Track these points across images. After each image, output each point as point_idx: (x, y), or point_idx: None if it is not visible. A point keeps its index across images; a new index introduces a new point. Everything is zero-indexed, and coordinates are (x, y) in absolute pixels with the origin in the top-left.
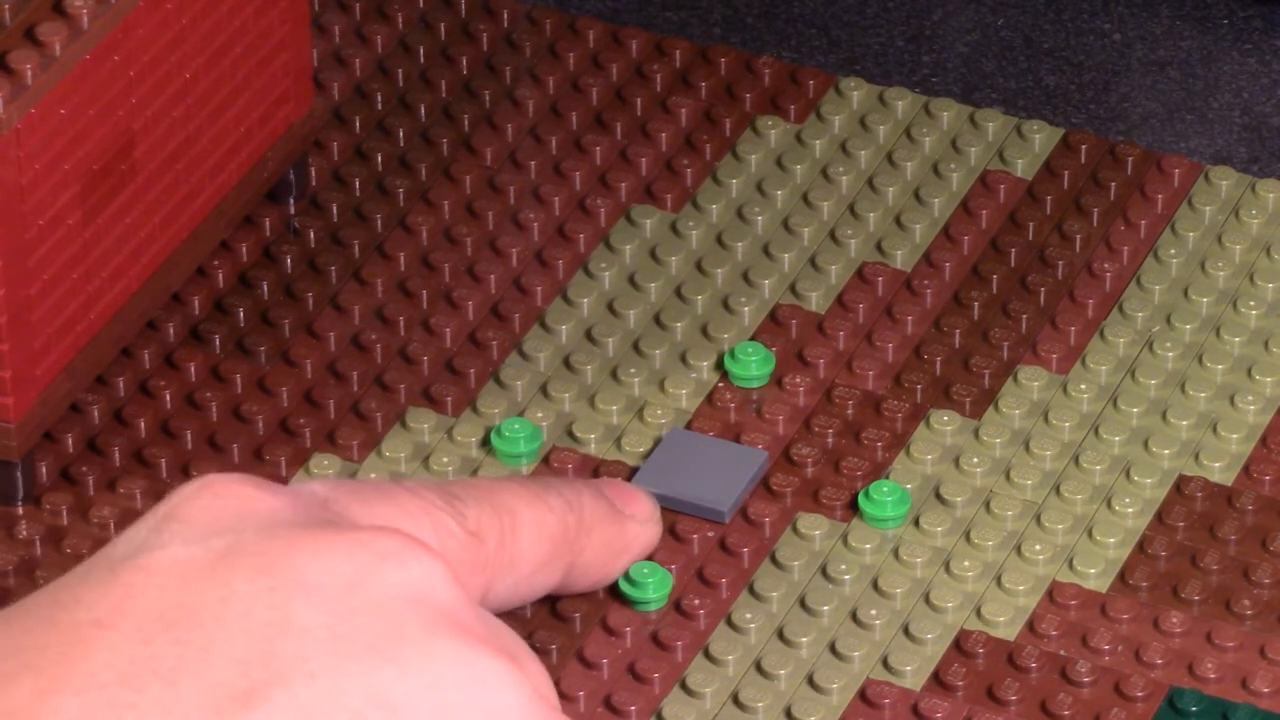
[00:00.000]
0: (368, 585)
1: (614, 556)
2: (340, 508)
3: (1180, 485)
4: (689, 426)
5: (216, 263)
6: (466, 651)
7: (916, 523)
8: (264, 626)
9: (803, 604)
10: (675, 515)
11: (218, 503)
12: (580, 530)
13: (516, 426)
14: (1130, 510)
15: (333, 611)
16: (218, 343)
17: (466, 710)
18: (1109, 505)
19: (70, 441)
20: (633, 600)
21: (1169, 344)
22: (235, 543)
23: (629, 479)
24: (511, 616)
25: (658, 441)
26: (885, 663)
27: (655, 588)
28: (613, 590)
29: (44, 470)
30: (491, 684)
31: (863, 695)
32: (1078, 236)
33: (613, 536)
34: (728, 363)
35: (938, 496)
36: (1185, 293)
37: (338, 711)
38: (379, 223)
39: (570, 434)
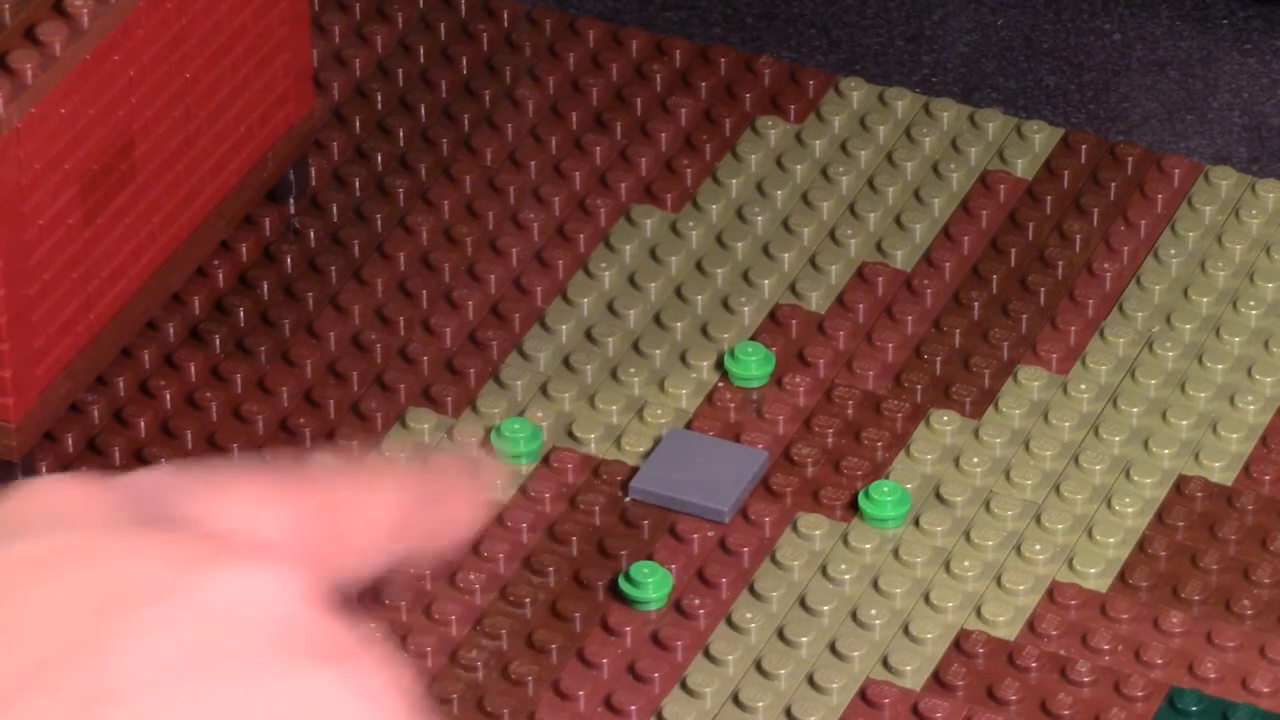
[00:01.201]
0: (197, 598)
1: (440, 540)
2: (172, 505)
3: (1180, 485)
4: (689, 426)
5: (216, 263)
6: (299, 665)
7: (916, 523)
8: (90, 644)
9: (803, 604)
10: (675, 515)
11: (46, 505)
12: (412, 516)
13: (516, 426)
14: (1130, 510)
15: (159, 627)
16: (218, 343)
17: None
18: (1109, 505)
19: (70, 441)
20: (633, 600)
21: (1169, 344)
22: (65, 544)
23: (629, 479)
24: (510, 616)
25: (658, 441)
26: (885, 663)
27: (655, 588)
28: (613, 590)
29: (44, 470)
30: (325, 695)
31: (863, 695)
32: (1078, 236)
33: (441, 525)
34: (728, 363)
35: (938, 496)
36: (1185, 293)
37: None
38: (379, 223)
39: (570, 434)
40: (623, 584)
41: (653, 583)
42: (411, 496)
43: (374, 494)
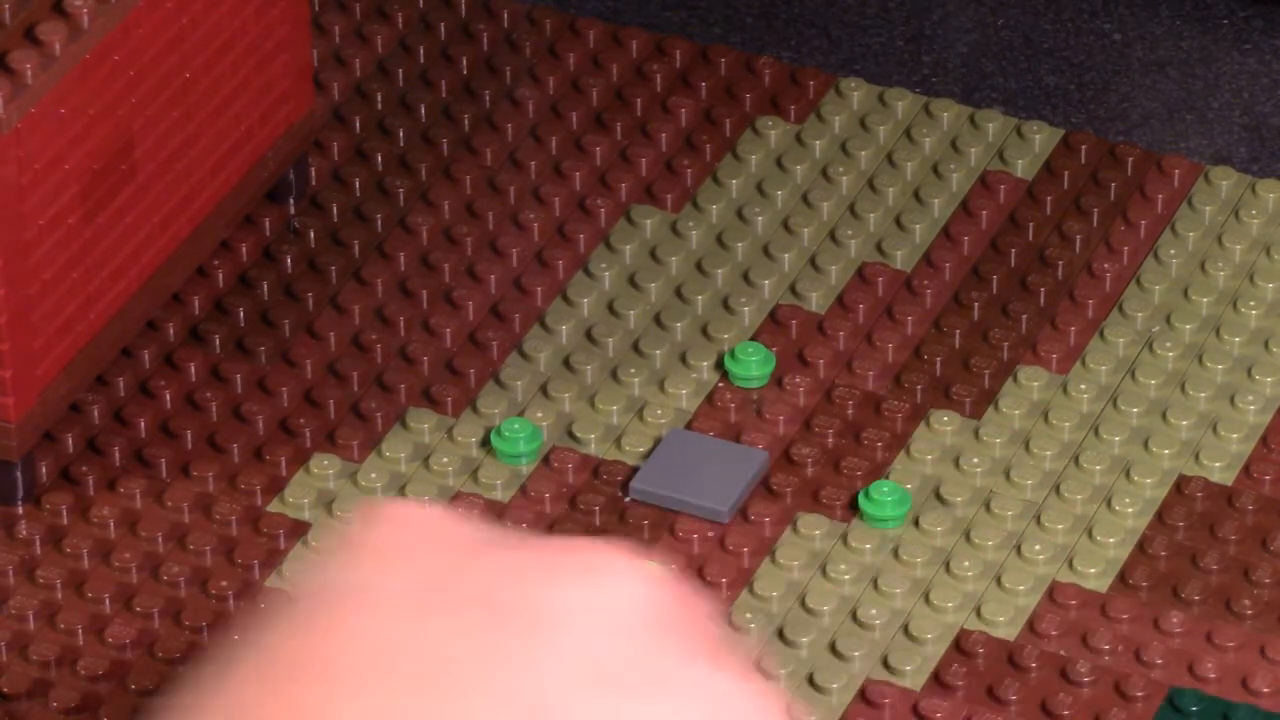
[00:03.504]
0: (604, 602)
1: None
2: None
3: (1180, 485)
4: (689, 426)
5: (216, 263)
6: (722, 676)
7: (916, 523)
8: (508, 655)
9: (803, 604)
10: (675, 515)
11: (404, 531)
12: None
13: (516, 426)
14: (1130, 510)
15: (580, 635)
16: (218, 343)
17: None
18: (1109, 505)
19: (70, 441)
20: None
21: (1169, 344)
22: (443, 571)
23: (629, 479)
24: None
25: (658, 441)
26: (885, 663)
27: None
28: None
29: (44, 470)
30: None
31: (863, 695)
32: (1078, 237)
33: None
34: (728, 363)
35: (938, 496)
36: (1185, 293)
37: None
38: (379, 223)
39: (570, 434)
40: None
41: None
42: None
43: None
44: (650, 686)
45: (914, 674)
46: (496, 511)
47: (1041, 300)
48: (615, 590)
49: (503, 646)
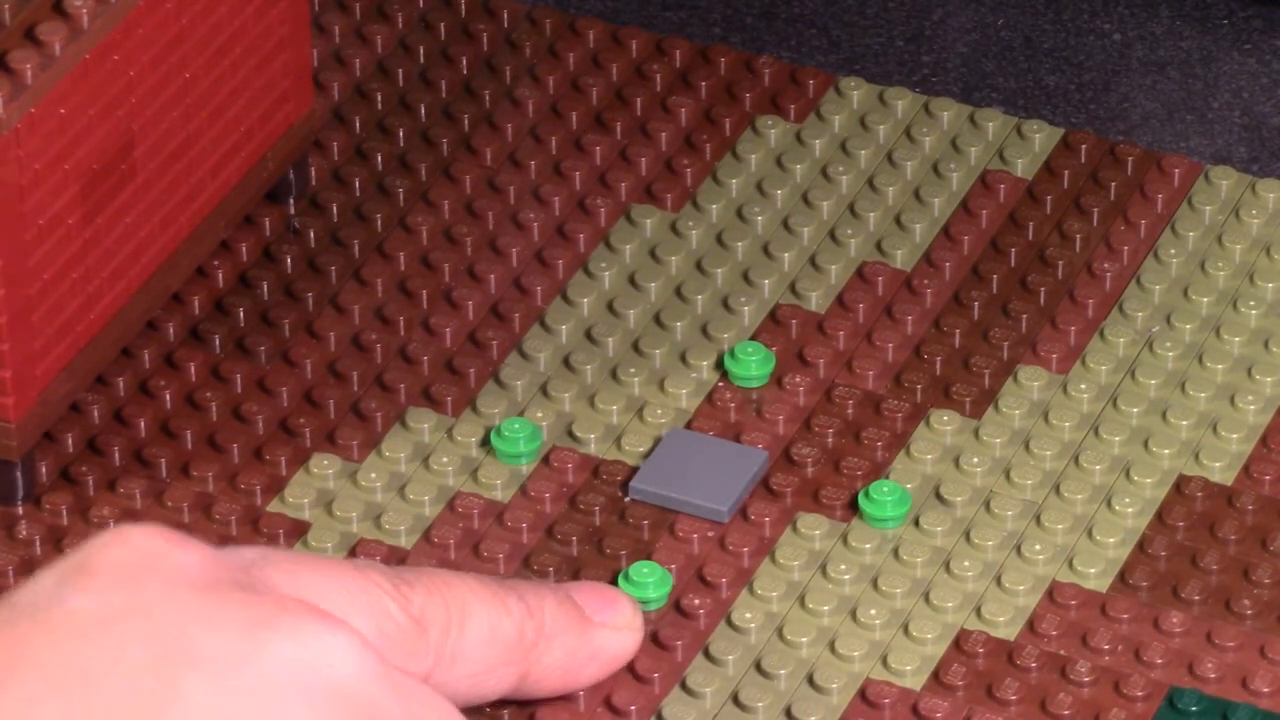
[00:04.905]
0: (258, 661)
1: (578, 666)
2: (261, 574)
3: (1180, 485)
4: (689, 426)
5: (216, 263)
6: None
7: (916, 523)
8: (150, 698)
9: (803, 604)
10: (675, 515)
11: (128, 555)
12: (539, 638)
13: (516, 426)
14: (1130, 510)
15: (220, 689)
16: (218, 343)
17: None
18: (1109, 505)
19: (70, 441)
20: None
21: (1169, 344)
22: (134, 602)
23: (629, 479)
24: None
25: (658, 441)
26: (885, 663)
27: (655, 588)
28: None
29: (44, 470)
30: None
31: (863, 695)
32: (1078, 236)
33: (577, 646)
34: (728, 363)
35: (938, 496)
36: (1185, 293)
37: None
38: (379, 223)
39: (570, 434)
40: (623, 584)
41: (653, 583)
42: (542, 620)
43: (496, 611)
44: None
45: (914, 674)
46: (496, 512)
47: (1041, 300)
48: (277, 652)
49: (148, 688)
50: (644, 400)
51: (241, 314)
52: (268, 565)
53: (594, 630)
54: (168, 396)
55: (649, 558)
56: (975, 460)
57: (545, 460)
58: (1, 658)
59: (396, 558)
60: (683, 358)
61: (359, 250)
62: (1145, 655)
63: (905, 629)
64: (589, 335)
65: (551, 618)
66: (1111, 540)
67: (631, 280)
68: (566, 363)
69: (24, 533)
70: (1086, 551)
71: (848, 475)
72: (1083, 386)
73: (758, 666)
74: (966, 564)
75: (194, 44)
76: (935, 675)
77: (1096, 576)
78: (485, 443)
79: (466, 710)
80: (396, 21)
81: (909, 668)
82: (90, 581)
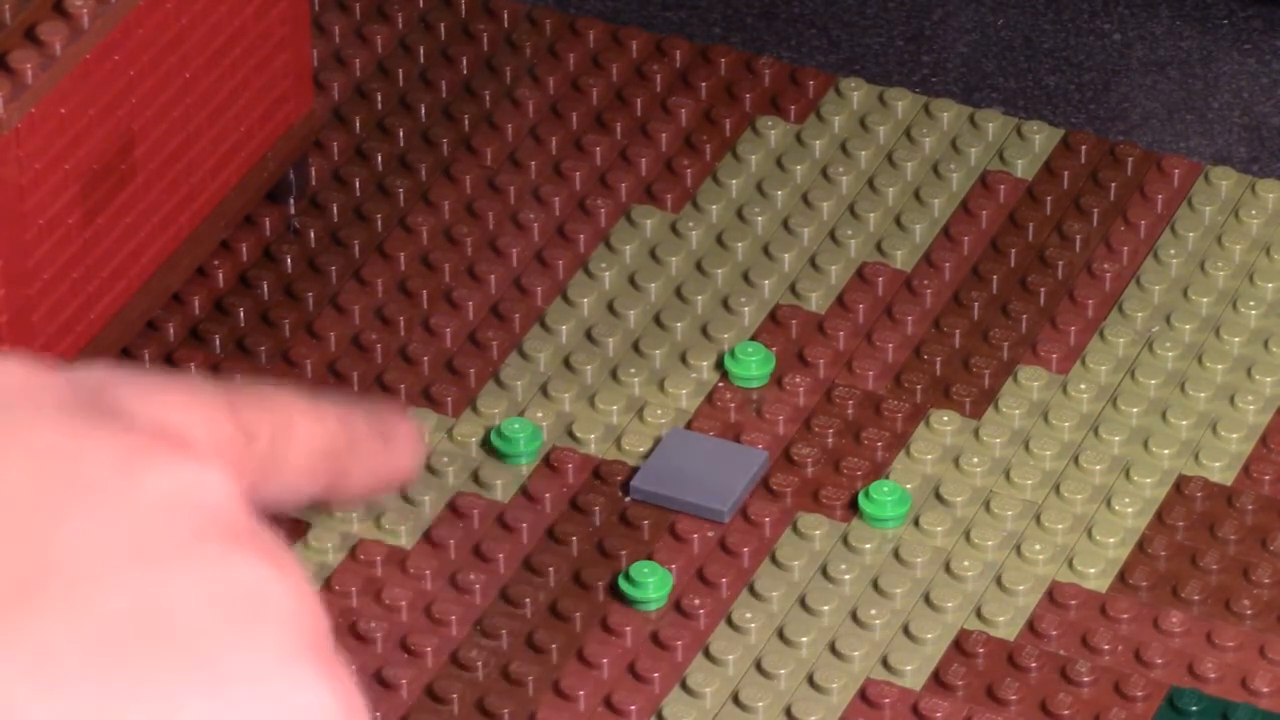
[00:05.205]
0: (138, 491)
1: (376, 479)
2: (115, 397)
3: (1180, 485)
4: (689, 426)
5: (216, 263)
6: (236, 555)
7: (916, 523)
8: (34, 524)
9: (803, 604)
10: (675, 515)
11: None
12: (349, 449)
13: (516, 426)
14: (1130, 510)
15: (103, 516)
16: (218, 343)
17: (237, 605)
18: (1109, 505)
19: None
20: (633, 600)
21: (1169, 344)
22: (7, 427)
23: (629, 479)
24: (510, 616)
25: (658, 441)
26: (885, 663)
27: (655, 588)
28: (613, 590)
29: None
30: (261, 583)
31: (863, 695)
32: (1078, 236)
33: (378, 464)
34: (728, 363)
35: (938, 496)
36: (1185, 293)
37: (105, 615)
38: (379, 223)
39: (570, 434)
40: (623, 584)
41: (653, 583)
42: (353, 431)
43: (315, 421)
44: (185, 564)
45: (914, 674)
46: (496, 512)
47: (1041, 300)
48: (172, 477)
49: (31, 513)
50: (644, 400)
51: (242, 314)
52: (120, 387)
53: (393, 451)
54: None
55: (649, 558)
56: (975, 460)
57: (545, 460)
58: None
59: (397, 558)
60: (683, 358)
61: (359, 250)
62: (1145, 655)
63: (905, 629)
64: (589, 335)
65: (361, 432)
66: (1111, 540)
67: (631, 280)
68: (567, 363)
69: None
70: (1086, 551)
71: (848, 475)
72: (1083, 386)
73: (758, 666)
74: (966, 564)
75: (194, 44)
76: (935, 675)
77: (1096, 576)
78: (485, 443)
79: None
80: (396, 21)
81: (909, 668)
82: None
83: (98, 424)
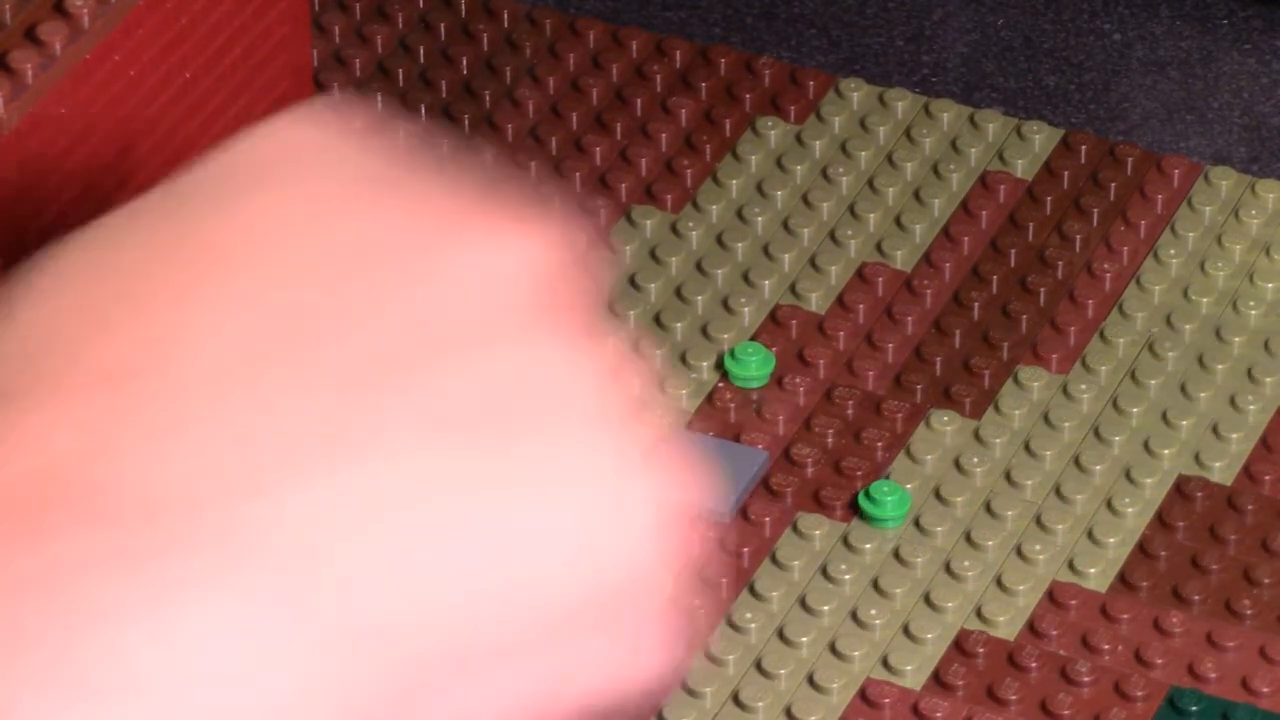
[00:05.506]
0: (460, 265)
1: None
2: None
3: (1181, 486)
4: (689, 427)
5: None
6: (557, 333)
7: (916, 523)
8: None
9: (803, 604)
10: None
11: (286, 150)
12: None
13: None
14: (1131, 510)
15: (429, 289)
16: None
17: (557, 389)
18: (1109, 506)
19: None
20: None
21: (1169, 344)
22: (314, 193)
23: None
24: None
25: None
26: (885, 663)
27: None
28: None
29: None
30: (587, 367)
31: (863, 695)
32: (1078, 237)
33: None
34: (728, 363)
35: (938, 496)
36: (1185, 293)
37: (448, 398)
38: None
39: None
40: None
41: None
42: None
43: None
44: (476, 345)
45: (914, 674)
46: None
47: (1041, 300)
48: (482, 249)
49: (351, 283)
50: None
51: None
52: (427, 163)
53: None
54: None
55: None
56: (975, 461)
57: None
58: (198, 255)
59: None
60: (683, 358)
61: None
62: (1146, 655)
63: (905, 629)
64: None
65: None
66: (1112, 541)
67: (631, 281)
68: None
69: None
70: (1087, 552)
71: (848, 475)
72: (1083, 387)
73: (758, 666)
74: (967, 564)
75: (194, 44)
76: (935, 675)
77: (1097, 577)
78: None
79: None
80: (396, 21)
81: (909, 668)
82: (258, 178)
83: (403, 195)
